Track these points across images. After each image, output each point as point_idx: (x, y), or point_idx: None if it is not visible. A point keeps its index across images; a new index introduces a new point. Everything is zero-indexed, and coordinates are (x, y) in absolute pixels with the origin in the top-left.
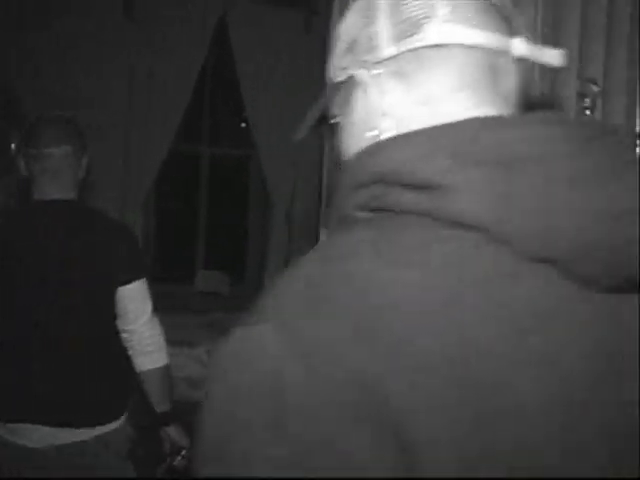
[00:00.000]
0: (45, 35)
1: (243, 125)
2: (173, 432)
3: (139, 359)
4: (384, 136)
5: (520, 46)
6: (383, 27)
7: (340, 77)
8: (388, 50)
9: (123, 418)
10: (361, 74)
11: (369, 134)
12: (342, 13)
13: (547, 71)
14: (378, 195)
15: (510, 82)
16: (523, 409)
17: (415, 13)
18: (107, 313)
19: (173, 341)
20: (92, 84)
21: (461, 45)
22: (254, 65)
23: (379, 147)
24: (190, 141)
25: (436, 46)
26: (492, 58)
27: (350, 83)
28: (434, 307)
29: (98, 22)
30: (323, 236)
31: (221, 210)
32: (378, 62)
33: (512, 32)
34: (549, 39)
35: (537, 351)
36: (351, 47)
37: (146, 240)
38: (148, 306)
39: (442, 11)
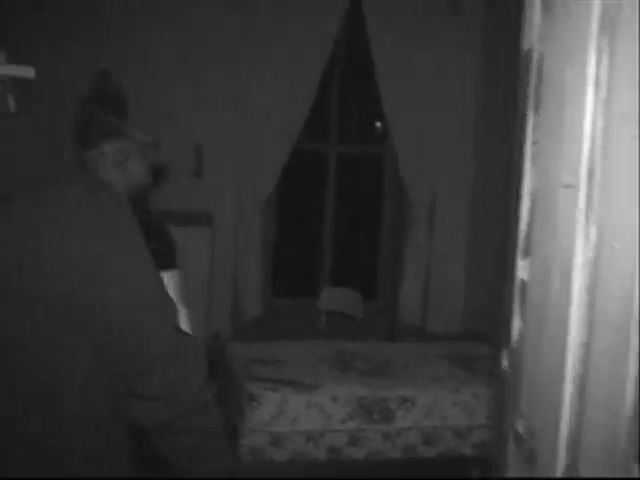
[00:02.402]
0: (156, 32)
1: (378, 124)
2: None
3: None
4: None
5: None
6: None
7: None
8: None
9: None
10: None
11: None
12: None
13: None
14: None
15: None
16: None
17: None
18: None
19: (284, 381)
20: (207, 77)
21: None
22: (391, 53)
23: None
24: (316, 139)
25: None
26: None
27: None
28: None
29: (209, 13)
30: (522, 265)
31: (351, 216)
32: None
33: None
34: None
35: None
36: None
37: (264, 248)
38: None
39: None
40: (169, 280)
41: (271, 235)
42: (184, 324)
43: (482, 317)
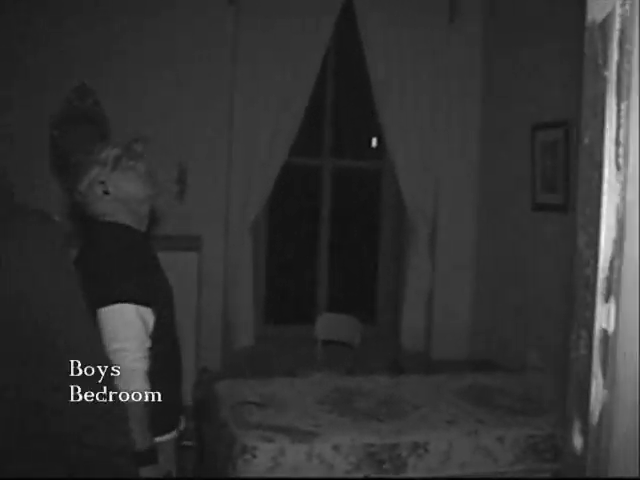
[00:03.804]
0: (132, 34)
1: (374, 139)
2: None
3: None
4: None
5: None
6: None
7: None
8: None
9: None
10: None
11: None
12: None
13: None
14: None
15: None
16: None
17: None
18: None
19: (280, 428)
20: (187, 82)
21: None
22: (387, 62)
23: None
24: (309, 153)
25: None
26: None
27: None
28: None
29: (195, 11)
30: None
31: (347, 236)
32: None
33: None
34: None
35: None
36: None
37: (256, 272)
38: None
39: None
40: (138, 317)
41: (263, 258)
42: (135, 363)
43: (490, 342)
